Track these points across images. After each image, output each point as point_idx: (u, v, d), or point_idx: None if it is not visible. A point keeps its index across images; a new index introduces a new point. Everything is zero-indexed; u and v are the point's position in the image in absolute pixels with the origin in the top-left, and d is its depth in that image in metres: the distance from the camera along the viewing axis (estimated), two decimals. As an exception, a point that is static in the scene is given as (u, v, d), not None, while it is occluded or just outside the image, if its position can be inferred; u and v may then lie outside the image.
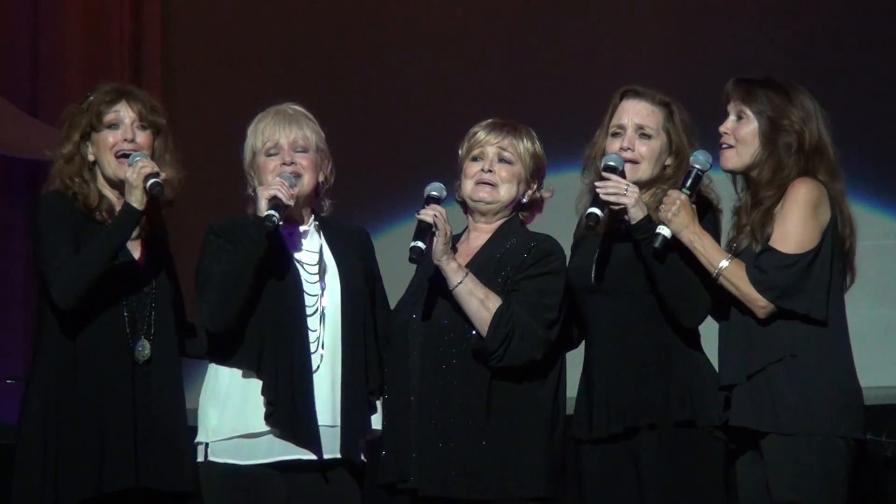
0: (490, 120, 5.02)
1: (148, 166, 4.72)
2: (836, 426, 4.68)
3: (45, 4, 8.63)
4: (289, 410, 4.76)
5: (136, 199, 4.71)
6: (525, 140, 4.97)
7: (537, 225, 5.04)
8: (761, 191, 4.79)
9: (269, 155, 4.91)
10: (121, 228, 4.73)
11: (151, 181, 4.70)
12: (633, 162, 4.88)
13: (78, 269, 4.67)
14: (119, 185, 4.82)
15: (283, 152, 4.90)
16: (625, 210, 4.75)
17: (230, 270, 4.75)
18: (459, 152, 5.02)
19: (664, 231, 4.73)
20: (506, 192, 4.94)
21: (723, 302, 4.80)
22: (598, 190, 4.76)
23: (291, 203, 4.77)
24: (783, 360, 4.70)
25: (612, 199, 4.75)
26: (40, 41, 8.61)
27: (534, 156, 4.97)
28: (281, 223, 4.74)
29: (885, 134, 7.99)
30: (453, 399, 4.74)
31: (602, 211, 4.76)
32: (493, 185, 4.93)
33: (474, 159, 4.96)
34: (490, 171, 4.92)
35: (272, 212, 4.70)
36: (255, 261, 4.73)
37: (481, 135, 4.97)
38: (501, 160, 4.94)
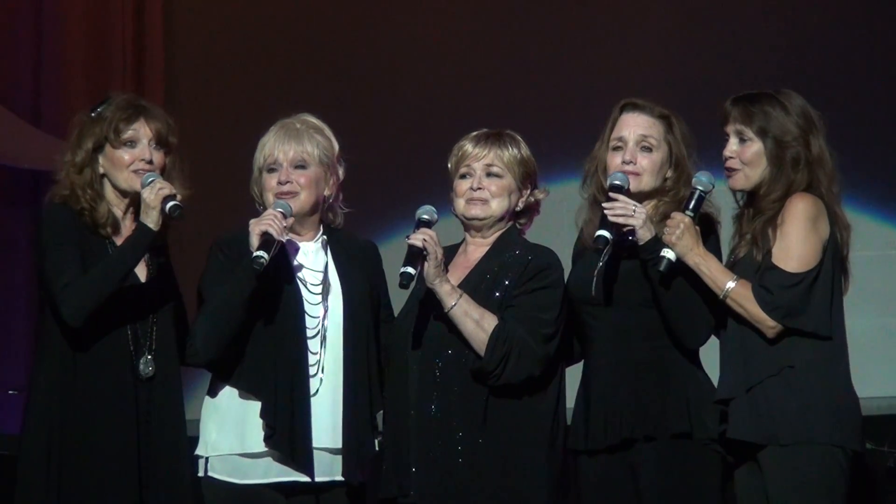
0: (474, 133, 4.98)
1: (166, 188, 4.71)
2: (834, 437, 4.67)
3: (48, 14, 8.63)
4: (287, 434, 4.74)
5: (153, 220, 4.70)
6: (510, 148, 4.93)
7: (537, 236, 5.02)
8: (764, 202, 4.79)
9: (269, 172, 4.90)
10: (135, 248, 4.73)
11: (171, 204, 4.69)
12: (635, 174, 4.85)
13: (90, 288, 4.66)
14: (129, 198, 4.81)
15: (282, 170, 4.88)
16: (632, 229, 4.73)
17: (220, 305, 4.74)
18: (449, 166, 4.99)
19: (669, 254, 4.71)
20: (497, 205, 4.91)
21: (721, 317, 4.79)
22: (605, 211, 4.73)
23: (283, 238, 4.74)
24: (781, 373, 4.69)
25: (620, 220, 4.72)
26: (42, 51, 8.60)
27: (521, 162, 4.93)
28: (267, 261, 4.67)
29: (888, 144, 7.99)
30: (452, 413, 4.73)
31: (611, 233, 4.72)
32: (483, 200, 4.91)
33: (462, 176, 4.94)
34: (479, 188, 4.90)
35: (261, 253, 4.67)
36: (245, 297, 4.70)
37: (467, 149, 4.93)
38: (489, 175, 4.91)
